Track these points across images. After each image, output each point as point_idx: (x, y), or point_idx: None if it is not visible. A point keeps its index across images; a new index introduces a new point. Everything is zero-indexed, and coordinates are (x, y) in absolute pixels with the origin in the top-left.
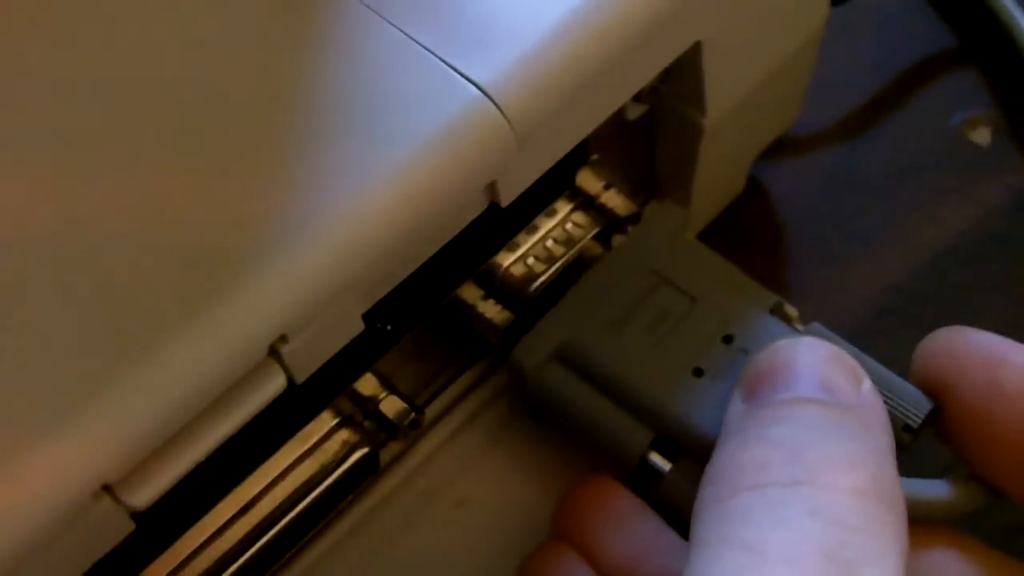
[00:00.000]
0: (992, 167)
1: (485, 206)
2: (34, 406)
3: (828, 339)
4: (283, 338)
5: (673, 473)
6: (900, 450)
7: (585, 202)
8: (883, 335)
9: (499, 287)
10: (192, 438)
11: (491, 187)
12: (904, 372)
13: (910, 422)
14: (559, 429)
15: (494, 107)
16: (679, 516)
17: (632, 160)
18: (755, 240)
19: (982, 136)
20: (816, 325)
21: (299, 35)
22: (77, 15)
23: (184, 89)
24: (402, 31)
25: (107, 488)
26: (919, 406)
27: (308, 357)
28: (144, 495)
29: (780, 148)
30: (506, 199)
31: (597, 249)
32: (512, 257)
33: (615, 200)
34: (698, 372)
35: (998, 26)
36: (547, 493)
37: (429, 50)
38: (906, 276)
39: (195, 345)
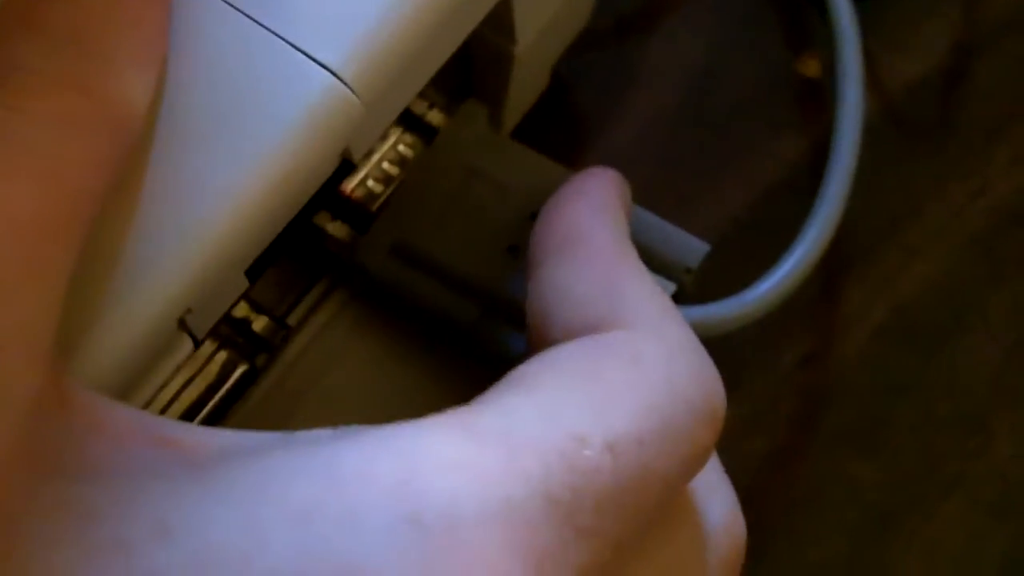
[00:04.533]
0: (824, 100)
1: (339, 163)
2: None
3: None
4: (188, 311)
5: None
6: (682, 291)
7: (412, 123)
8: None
9: (344, 209)
10: None
11: (345, 150)
12: None
13: (689, 264)
14: (404, 317)
15: (344, 86)
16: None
17: (450, 82)
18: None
19: (813, 70)
20: None
21: None
22: None
23: None
24: (250, 17)
25: None
26: (696, 249)
27: (207, 319)
28: None
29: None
30: (358, 155)
31: None
32: (353, 182)
33: (438, 117)
34: (512, 249)
35: None
36: (407, 376)
37: (277, 35)
38: (745, 208)
39: (117, 333)
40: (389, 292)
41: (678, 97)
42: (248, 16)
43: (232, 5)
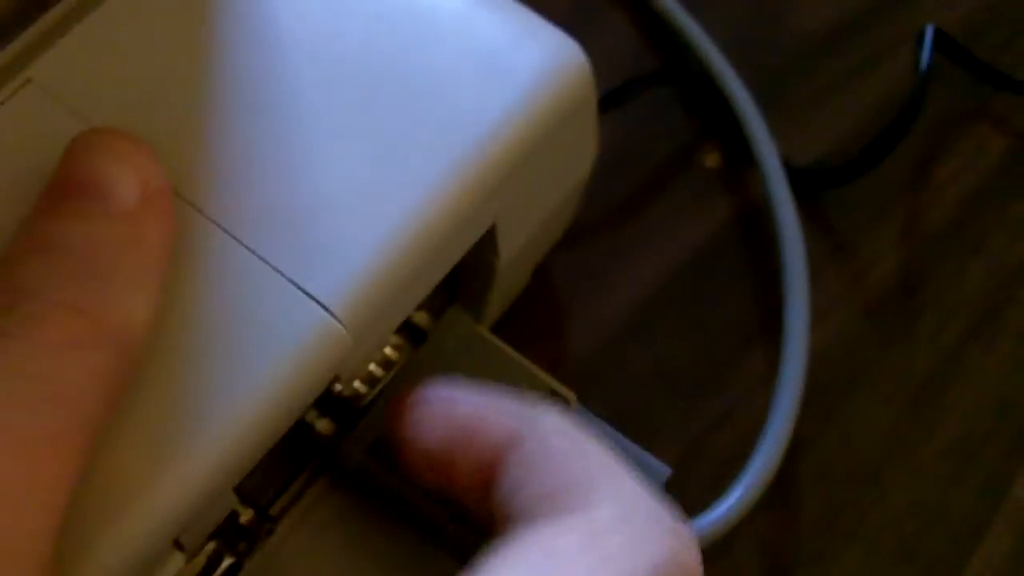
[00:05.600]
0: (721, 187)
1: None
2: None
3: (592, 423)
4: (183, 531)
5: None
6: None
7: (400, 326)
8: (639, 338)
9: (332, 407)
10: None
11: (334, 379)
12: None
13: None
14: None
15: (334, 320)
16: None
17: (438, 288)
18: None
19: (713, 161)
20: (582, 409)
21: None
22: None
23: None
24: (252, 251)
25: None
26: (657, 472)
27: (199, 536)
28: None
29: None
30: (345, 380)
31: None
32: (341, 384)
33: (424, 319)
34: None
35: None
36: (382, 563)
37: (276, 269)
38: (654, 287)
39: (115, 551)
40: (366, 488)
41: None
42: (247, 247)
43: (232, 236)
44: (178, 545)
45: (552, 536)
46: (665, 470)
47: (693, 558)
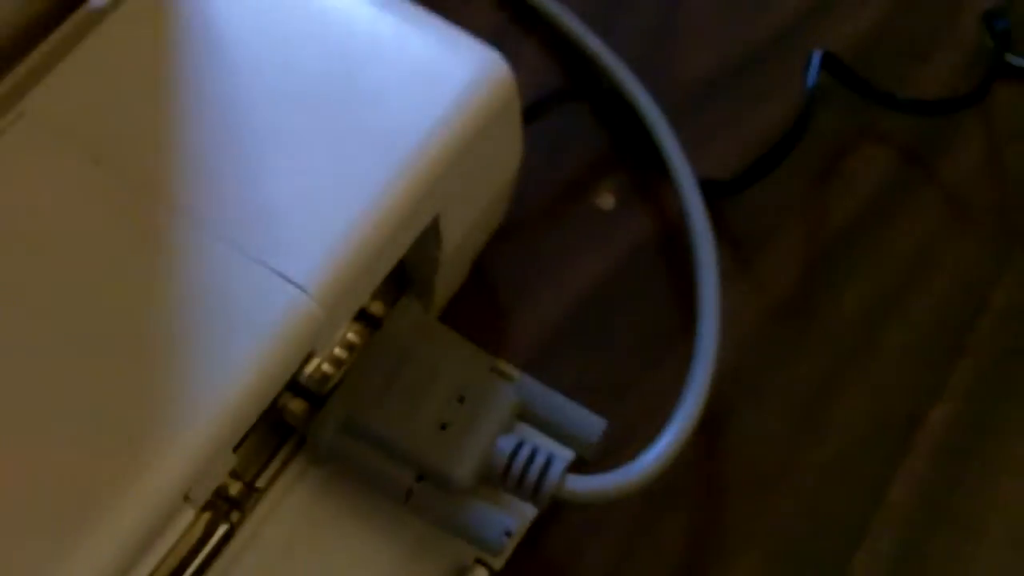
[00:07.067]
0: (614, 227)
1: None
2: None
3: (532, 387)
4: (192, 487)
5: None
6: (582, 458)
7: (358, 314)
8: (550, 364)
9: (302, 388)
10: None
11: (310, 354)
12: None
13: (590, 439)
14: (356, 480)
15: (308, 298)
16: None
17: (389, 280)
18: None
19: (607, 202)
20: (525, 376)
21: (153, 269)
22: None
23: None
24: (230, 242)
25: None
26: (593, 426)
27: (204, 492)
28: None
29: None
30: (321, 354)
31: None
32: (311, 366)
33: (379, 307)
34: (443, 426)
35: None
36: (361, 530)
37: (251, 256)
38: (561, 317)
39: (137, 506)
40: (338, 460)
41: None
42: (225, 239)
43: (211, 230)
44: (187, 499)
45: None
46: (600, 423)
47: None
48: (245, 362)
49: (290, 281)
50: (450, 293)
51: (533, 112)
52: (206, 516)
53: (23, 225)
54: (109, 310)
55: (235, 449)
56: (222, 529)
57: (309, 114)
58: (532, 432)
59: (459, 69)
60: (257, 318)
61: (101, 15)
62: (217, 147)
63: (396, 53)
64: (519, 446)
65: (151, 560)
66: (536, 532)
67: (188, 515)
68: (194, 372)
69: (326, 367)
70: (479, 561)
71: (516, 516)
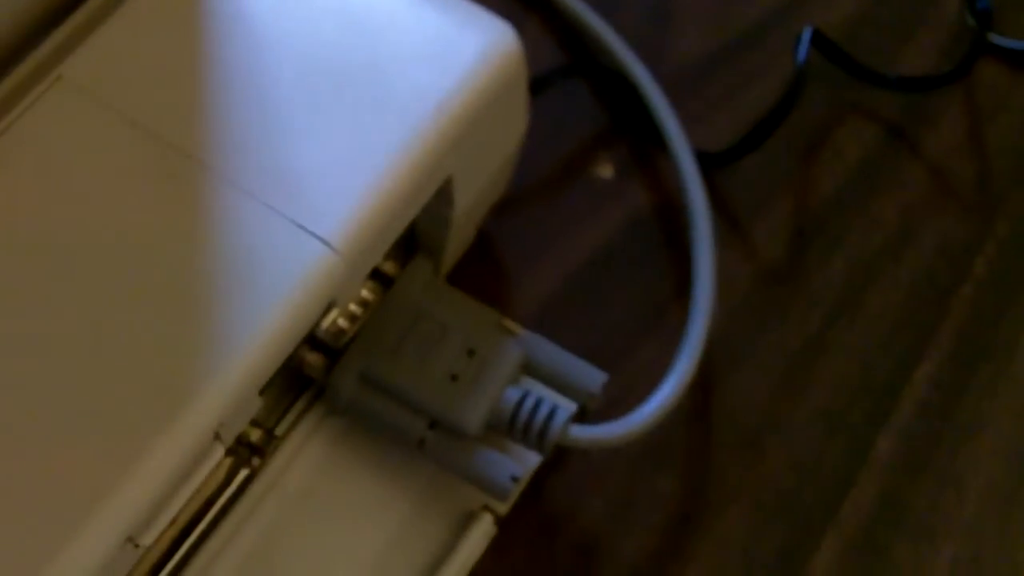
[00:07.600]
0: (613, 197)
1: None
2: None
3: (537, 342)
4: (221, 425)
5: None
6: (584, 411)
7: (373, 273)
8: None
9: (319, 342)
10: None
11: (331, 304)
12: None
13: (592, 390)
14: (371, 429)
15: (331, 251)
16: None
17: (402, 240)
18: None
19: (606, 171)
20: (527, 332)
21: (188, 224)
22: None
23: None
24: (257, 199)
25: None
26: (596, 377)
27: (233, 431)
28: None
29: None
30: (341, 304)
31: None
32: (328, 320)
33: (392, 267)
34: (454, 378)
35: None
36: (377, 477)
37: (278, 211)
38: (562, 283)
39: (175, 440)
40: (356, 410)
41: None
42: (253, 196)
43: (239, 187)
44: (218, 437)
45: None
46: (601, 376)
47: None
48: (274, 308)
49: (315, 235)
50: (457, 256)
51: (537, 86)
52: (229, 461)
53: (64, 184)
54: (147, 262)
55: (261, 392)
56: (243, 473)
57: (332, 82)
58: (537, 385)
59: (472, 40)
60: (284, 268)
61: None
62: (246, 112)
63: (413, 25)
64: (525, 396)
65: (184, 493)
66: (539, 483)
67: (218, 452)
68: (228, 317)
69: (342, 322)
70: (486, 507)
71: (522, 463)
